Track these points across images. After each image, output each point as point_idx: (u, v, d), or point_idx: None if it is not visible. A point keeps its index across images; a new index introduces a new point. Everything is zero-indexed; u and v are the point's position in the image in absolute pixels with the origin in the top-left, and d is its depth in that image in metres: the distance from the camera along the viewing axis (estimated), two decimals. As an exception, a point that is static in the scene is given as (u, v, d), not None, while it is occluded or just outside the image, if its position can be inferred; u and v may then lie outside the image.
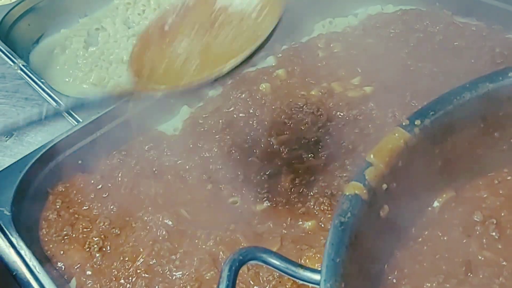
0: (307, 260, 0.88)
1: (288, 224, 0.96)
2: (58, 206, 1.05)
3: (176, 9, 0.88)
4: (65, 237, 1.00)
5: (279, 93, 1.20)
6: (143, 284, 0.91)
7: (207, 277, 0.90)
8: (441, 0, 1.38)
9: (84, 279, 0.95)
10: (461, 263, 0.74)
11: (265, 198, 1.02)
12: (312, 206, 0.98)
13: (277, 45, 1.36)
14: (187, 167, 1.09)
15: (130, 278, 0.93)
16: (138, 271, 0.93)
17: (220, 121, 1.17)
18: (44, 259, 0.97)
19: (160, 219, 0.99)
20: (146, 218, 1.00)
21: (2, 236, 0.96)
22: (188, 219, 0.99)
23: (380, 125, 1.08)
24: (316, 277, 0.62)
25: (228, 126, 1.16)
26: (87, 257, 0.97)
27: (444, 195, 0.82)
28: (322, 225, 0.95)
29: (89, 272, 0.95)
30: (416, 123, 0.75)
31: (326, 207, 0.97)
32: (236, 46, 0.81)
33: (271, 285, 0.87)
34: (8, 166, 1.07)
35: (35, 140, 1.18)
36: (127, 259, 0.95)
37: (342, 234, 0.64)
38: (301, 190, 1.01)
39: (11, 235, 0.96)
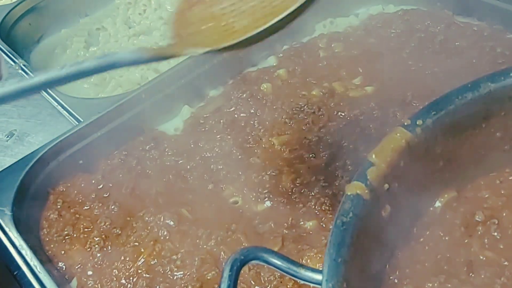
0: (309, 260, 0.88)
1: (289, 224, 0.96)
2: (59, 206, 1.05)
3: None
4: (66, 237, 1.00)
5: (280, 93, 1.20)
6: (144, 284, 0.91)
7: (208, 277, 0.90)
8: (442, 0, 1.38)
9: (85, 279, 0.95)
10: (463, 263, 0.74)
11: (266, 198, 1.02)
12: (313, 206, 0.98)
13: (278, 45, 1.36)
14: (188, 167, 1.09)
15: (131, 278, 0.93)
16: (139, 271, 0.93)
17: (221, 121, 1.17)
18: (45, 259, 0.96)
19: (161, 219, 0.99)
20: (147, 218, 1.00)
21: (3, 235, 0.96)
22: (189, 219, 0.99)
23: (382, 125, 1.07)
24: (318, 277, 0.62)
25: (229, 126, 1.16)
26: (88, 257, 0.97)
27: (445, 195, 0.82)
28: (323, 225, 0.95)
29: (90, 272, 0.95)
30: (418, 123, 0.75)
31: (327, 207, 0.97)
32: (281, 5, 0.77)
33: (272, 285, 0.87)
34: (9, 166, 1.07)
35: (36, 140, 1.18)
36: (128, 259, 0.95)
37: (343, 234, 0.64)
38: (302, 190, 1.01)
39: (12, 235, 0.96)
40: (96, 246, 0.97)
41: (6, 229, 0.97)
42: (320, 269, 0.62)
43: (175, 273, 0.92)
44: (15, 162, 1.07)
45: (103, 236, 0.98)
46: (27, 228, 1.00)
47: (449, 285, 0.72)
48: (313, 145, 1.08)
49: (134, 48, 0.71)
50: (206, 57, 1.26)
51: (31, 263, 0.92)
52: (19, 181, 1.03)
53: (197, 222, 0.98)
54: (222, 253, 0.93)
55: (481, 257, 0.75)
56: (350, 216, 0.66)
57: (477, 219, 0.79)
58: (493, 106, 0.80)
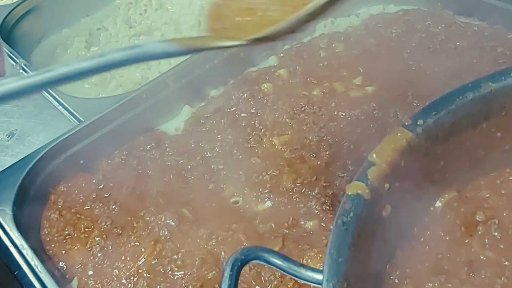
0: (309, 260, 0.88)
1: (290, 224, 0.96)
2: (59, 206, 1.05)
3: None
4: (67, 237, 1.00)
5: (281, 93, 1.20)
6: (145, 284, 0.91)
7: (209, 277, 0.90)
8: (443, 0, 1.38)
9: (85, 279, 0.95)
10: (463, 263, 0.74)
11: (267, 198, 1.02)
12: (314, 206, 0.98)
13: (279, 45, 1.36)
14: (189, 167, 1.09)
15: (132, 278, 0.93)
16: (140, 271, 0.93)
17: (222, 121, 1.17)
18: (46, 259, 0.97)
19: (162, 219, 0.99)
20: (147, 218, 1.00)
21: (4, 235, 0.96)
22: (190, 219, 0.99)
23: (382, 125, 1.07)
24: (318, 276, 0.62)
25: (230, 126, 1.16)
26: (89, 257, 0.97)
27: (446, 195, 0.82)
28: (324, 225, 0.95)
29: (90, 272, 0.95)
30: (418, 122, 0.75)
31: (327, 207, 0.97)
32: None
33: (272, 285, 0.87)
34: (10, 166, 1.07)
35: (37, 140, 1.18)
36: (128, 259, 0.95)
37: (344, 234, 0.64)
38: (303, 190, 1.01)
39: (13, 234, 0.96)
40: (97, 246, 0.97)
41: (7, 229, 0.97)
42: (321, 269, 0.63)
43: (175, 273, 0.92)
44: (16, 162, 1.07)
45: (103, 236, 0.99)
46: (28, 227, 1.00)
47: (450, 285, 0.72)
48: (314, 145, 1.08)
49: (164, 39, 0.68)
50: (207, 57, 1.26)
51: (32, 263, 0.93)
52: (20, 181, 1.03)
53: (198, 222, 0.98)
54: (222, 253, 0.93)
55: (482, 257, 0.75)
56: (350, 216, 0.66)
57: (477, 219, 0.79)
58: (493, 106, 0.80)
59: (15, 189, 1.02)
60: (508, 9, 1.28)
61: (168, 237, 0.96)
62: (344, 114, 1.12)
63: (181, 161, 1.11)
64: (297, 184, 1.02)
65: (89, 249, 0.98)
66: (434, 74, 1.18)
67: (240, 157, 1.10)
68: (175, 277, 0.91)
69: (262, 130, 1.14)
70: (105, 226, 1.00)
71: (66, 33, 1.61)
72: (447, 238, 0.78)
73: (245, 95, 1.21)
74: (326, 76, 1.22)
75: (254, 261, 0.65)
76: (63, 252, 0.98)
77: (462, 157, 0.81)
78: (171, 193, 1.05)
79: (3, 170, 1.07)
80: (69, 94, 1.27)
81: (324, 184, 1.01)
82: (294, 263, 0.65)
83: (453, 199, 0.82)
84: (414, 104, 1.10)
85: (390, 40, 1.31)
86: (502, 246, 0.75)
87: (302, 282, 0.65)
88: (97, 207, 1.04)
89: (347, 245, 0.63)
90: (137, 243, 0.97)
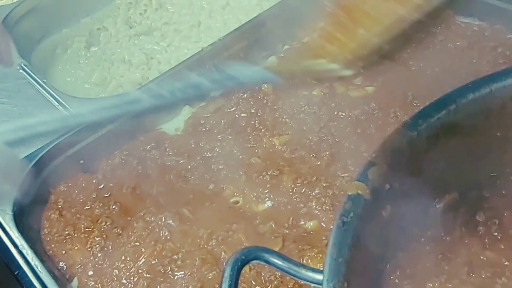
0: (309, 260, 0.88)
1: (290, 224, 0.96)
2: (60, 206, 1.05)
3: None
4: (67, 237, 1.00)
5: (281, 93, 1.20)
6: (145, 284, 0.91)
7: (209, 277, 0.90)
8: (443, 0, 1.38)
9: (85, 279, 0.95)
10: (464, 263, 0.74)
11: (267, 198, 1.02)
12: (314, 206, 0.98)
13: (279, 45, 1.36)
14: (189, 167, 1.10)
15: (132, 278, 0.93)
16: (140, 271, 0.93)
17: (222, 121, 1.17)
18: (46, 259, 0.97)
19: (162, 219, 0.99)
20: (148, 218, 1.00)
21: (4, 235, 0.96)
22: (190, 219, 0.99)
23: (382, 125, 1.08)
24: (319, 277, 0.62)
25: (230, 126, 1.16)
26: (89, 257, 0.97)
27: (446, 195, 0.82)
28: (324, 225, 0.95)
29: (90, 272, 0.95)
30: (419, 122, 0.75)
31: (328, 207, 0.97)
32: None
33: (273, 285, 0.87)
34: (10, 166, 1.07)
35: (37, 140, 1.18)
36: (128, 259, 0.95)
37: (344, 234, 0.64)
38: (303, 190, 1.01)
39: (13, 234, 0.96)
40: (97, 246, 0.97)
41: (7, 229, 0.97)
42: (321, 269, 0.63)
43: (176, 273, 0.92)
44: (16, 162, 1.07)
45: (104, 236, 0.99)
46: (28, 227, 1.00)
47: (450, 285, 0.72)
48: (314, 145, 1.08)
49: (261, 67, 0.63)
50: (206, 57, 1.26)
51: (32, 263, 0.93)
52: (20, 182, 1.03)
53: (198, 222, 0.98)
54: (223, 253, 0.93)
55: (482, 257, 0.75)
56: (351, 216, 0.66)
57: (477, 219, 0.79)
58: (494, 106, 0.80)
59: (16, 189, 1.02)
60: (508, 9, 1.28)
61: (168, 237, 0.96)
62: (344, 114, 1.12)
63: (181, 161, 1.11)
64: (297, 184, 1.02)
65: (89, 249, 0.98)
66: (434, 74, 1.18)
67: (240, 157, 1.10)
68: (175, 277, 0.91)
69: (262, 130, 1.14)
70: (105, 226, 1.00)
71: (66, 33, 1.61)
72: (448, 238, 0.78)
73: (245, 95, 1.21)
74: (326, 76, 1.22)
75: (254, 261, 0.65)
76: (63, 252, 0.98)
77: (463, 157, 0.81)
78: (171, 193, 1.05)
79: (3, 170, 1.07)
80: (69, 94, 1.27)
81: (324, 184, 1.01)
82: (294, 263, 0.65)
83: (454, 199, 0.82)
84: (414, 104, 1.10)
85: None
86: (502, 246, 0.76)
87: (302, 282, 0.65)
88: (97, 207, 1.04)
89: (347, 245, 0.63)
90: (137, 243, 0.97)
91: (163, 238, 0.96)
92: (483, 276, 0.72)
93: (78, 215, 1.03)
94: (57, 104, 1.22)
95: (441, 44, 1.26)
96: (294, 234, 0.95)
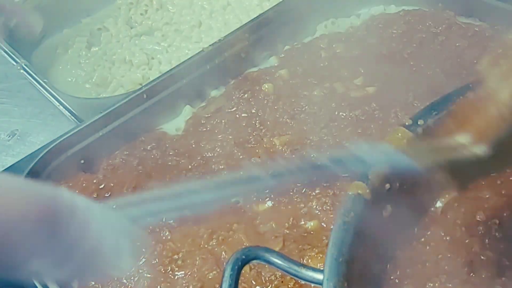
0: (310, 260, 0.88)
1: (291, 224, 0.96)
2: (60, 206, 1.05)
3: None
4: (68, 237, 1.00)
5: (281, 93, 1.20)
6: (145, 284, 0.91)
7: (210, 277, 0.90)
8: (444, 1, 1.38)
9: (86, 279, 0.95)
10: (464, 263, 0.74)
11: (267, 198, 1.02)
12: (315, 206, 0.98)
13: (279, 46, 1.36)
14: (190, 166, 1.10)
15: (132, 278, 0.93)
16: (140, 271, 0.93)
17: (223, 121, 1.17)
18: (47, 259, 0.96)
19: (163, 219, 0.99)
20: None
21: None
22: (191, 219, 0.99)
23: (383, 126, 1.08)
24: (319, 276, 0.62)
25: (231, 126, 1.16)
26: (90, 257, 0.97)
27: (446, 195, 0.82)
28: (324, 225, 0.95)
29: (91, 272, 0.95)
30: (419, 122, 0.75)
31: (328, 207, 0.97)
32: None
33: (273, 285, 0.87)
34: (11, 166, 1.07)
35: (38, 140, 1.18)
36: (129, 258, 0.95)
37: (345, 233, 0.64)
38: (303, 190, 1.01)
39: (14, 234, 0.96)
40: (98, 245, 0.97)
41: (8, 229, 0.97)
42: (321, 268, 0.63)
43: (176, 273, 0.92)
44: (17, 162, 1.07)
45: (104, 235, 0.98)
46: (29, 227, 1.00)
47: (450, 285, 0.72)
48: (315, 145, 1.08)
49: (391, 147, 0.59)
50: (207, 57, 1.26)
51: (33, 263, 0.92)
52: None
53: (199, 222, 0.98)
54: (223, 252, 0.93)
55: (482, 257, 0.75)
56: (351, 215, 0.66)
57: (478, 219, 0.79)
58: (494, 106, 0.80)
59: (16, 189, 1.02)
60: (509, 9, 1.28)
61: (168, 237, 0.96)
62: (344, 114, 1.12)
63: (182, 161, 1.11)
64: (298, 184, 1.02)
65: (90, 249, 0.97)
66: (435, 75, 1.18)
67: (241, 157, 1.10)
68: (176, 277, 0.91)
69: (263, 130, 1.14)
70: (105, 226, 1.00)
71: (67, 33, 1.61)
72: (448, 238, 0.78)
73: (245, 95, 1.21)
74: (326, 76, 1.23)
75: (254, 261, 0.65)
76: (64, 252, 0.98)
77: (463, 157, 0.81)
78: (171, 193, 1.05)
79: (3, 170, 1.07)
80: (70, 94, 1.27)
81: (324, 185, 1.01)
82: (295, 263, 0.65)
83: (454, 199, 0.82)
84: (415, 105, 1.10)
85: (391, 41, 1.31)
86: (502, 246, 0.76)
87: (303, 282, 0.65)
88: (97, 207, 1.04)
89: (347, 245, 0.63)
90: (138, 243, 0.96)
91: (164, 238, 0.96)
92: (483, 276, 0.72)
93: (78, 215, 1.03)
94: (58, 104, 1.22)
95: (442, 44, 1.26)
96: (294, 234, 0.95)
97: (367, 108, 1.12)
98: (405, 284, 0.73)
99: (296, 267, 0.64)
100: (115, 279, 0.93)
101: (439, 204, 0.82)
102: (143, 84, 1.23)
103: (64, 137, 1.10)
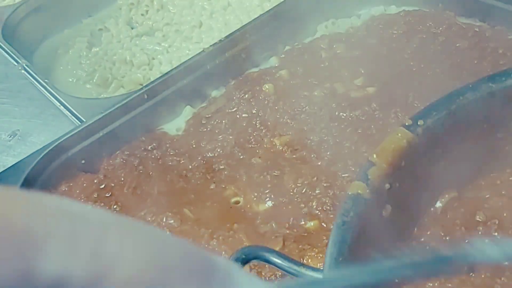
0: (309, 260, 0.88)
1: (291, 224, 0.97)
2: (61, 206, 1.05)
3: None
4: (68, 237, 1.00)
5: (282, 93, 1.20)
6: (146, 284, 0.91)
7: (210, 277, 0.90)
8: (444, 1, 1.38)
9: (87, 279, 0.95)
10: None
11: (267, 198, 1.02)
12: (315, 206, 0.98)
13: (280, 46, 1.36)
14: (190, 167, 1.10)
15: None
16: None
17: (223, 121, 1.17)
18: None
19: (164, 219, 0.99)
20: (149, 218, 1.00)
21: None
22: (191, 219, 0.99)
23: (383, 126, 1.08)
24: (319, 276, 0.62)
25: (231, 126, 1.16)
26: (90, 257, 0.97)
27: (446, 195, 0.82)
28: (325, 225, 0.95)
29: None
30: (419, 123, 0.75)
31: (328, 207, 0.97)
32: None
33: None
34: (11, 166, 1.08)
35: (38, 140, 1.18)
36: (130, 258, 0.95)
37: (344, 233, 0.65)
38: (303, 190, 1.01)
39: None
40: (98, 245, 0.97)
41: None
42: (321, 268, 0.63)
43: (176, 273, 0.92)
44: (18, 162, 1.08)
45: (105, 235, 0.99)
46: (30, 227, 1.00)
47: (450, 285, 0.72)
48: (315, 146, 1.09)
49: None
50: (208, 57, 1.26)
51: (33, 262, 0.93)
52: (22, 181, 1.03)
53: (199, 222, 0.99)
54: (223, 252, 0.93)
55: (482, 257, 0.75)
56: (351, 215, 0.66)
57: (477, 219, 0.79)
58: (494, 106, 0.80)
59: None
60: (509, 10, 1.28)
61: (169, 237, 0.96)
62: (345, 114, 1.12)
63: (182, 161, 1.11)
64: (298, 185, 1.02)
65: (90, 249, 0.98)
66: (435, 75, 1.18)
67: (241, 157, 1.10)
68: (176, 277, 0.91)
69: (263, 131, 1.14)
70: (106, 226, 1.00)
71: (68, 33, 1.62)
72: (447, 238, 0.78)
73: (246, 96, 1.21)
74: (327, 76, 1.23)
75: (254, 261, 0.65)
76: (65, 251, 0.98)
77: (463, 158, 0.81)
78: (172, 193, 1.05)
79: (4, 170, 1.07)
80: (71, 94, 1.27)
81: (325, 185, 1.01)
82: (295, 262, 0.65)
83: (454, 199, 0.82)
84: (415, 105, 1.10)
85: (391, 41, 1.31)
86: (502, 246, 0.76)
87: (303, 281, 0.65)
88: (98, 207, 1.04)
89: (347, 244, 0.64)
90: None
91: (164, 237, 0.96)
92: (482, 276, 0.72)
93: (79, 215, 1.03)
94: (58, 104, 1.22)
95: (442, 45, 1.26)
96: (294, 234, 0.95)
97: (367, 108, 1.12)
98: (405, 283, 0.73)
99: (296, 267, 0.64)
100: None
101: (439, 204, 0.82)
102: (144, 85, 1.24)
103: (65, 137, 1.11)
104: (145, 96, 1.19)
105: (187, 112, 1.23)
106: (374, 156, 0.72)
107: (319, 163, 1.05)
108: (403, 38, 1.30)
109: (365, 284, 0.41)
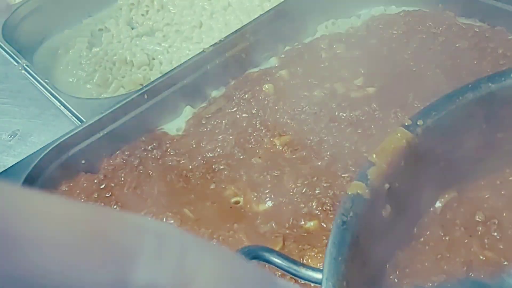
0: (309, 260, 0.88)
1: (291, 224, 0.97)
2: (61, 206, 1.05)
3: None
4: (69, 237, 1.00)
5: (281, 93, 1.20)
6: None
7: (210, 276, 0.90)
8: (444, 1, 1.38)
9: (87, 278, 0.95)
10: (463, 263, 0.74)
11: (267, 198, 1.02)
12: (315, 206, 0.98)
13: (280, 46, 1.36)
14: (190, 167, 1.10)
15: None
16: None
17: (223, 121, 1.17)
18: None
19: (164, 219, 0.99)
20: (149, 218, 1.00)
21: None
22: (192, 219, 1.00)
23: (383, 126, 1.08)
24: (318, 276, 0.62)
25: (231, 126, 1.16)
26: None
27: (446, 195, 0.82)
28: (324, 225, 0.95)
29: (92, 272, 0.95)
30: (418, 123, 0.75)
31: (328, 207, 0.97)
32: None
33: (273, 285, 0.87)
34: (12, 166, 1.08)
35: (39, 140, 1.18)
36: (130, 258, 0.95)
37: (344, 233, 0.65)
38: (303, 190, 1.01)
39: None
40: (98, 245, 0.97)
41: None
42: (321, 268, 0.63)
43: (176, 273, 0.92)
44: (18, 162, 1.08)
45: (105, 235, 0.99)
46: (30, 227, 1.00)
47: (449, 285, 0.72)
48: (315, 146, 1.09)
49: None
50: (208, 58, 1.26)
51: (34, 262, 0.93)
52: (22, 181, 1.03)
53: (199, 222, 0.99)
54: (223, 252, 0.93)
55: (481, 257, 0.75)
56: (350, 215, 0.66)
57: (477, 219, 0.79)
58: (493, 106, 0.80)
59: (17, 189, 1.02)
60: (509, 10, 1.28)
61: (169, 237, 0.96)
62: (345, 114, 1.13)
63: (183, 161, 1.11)
64: (298, 185, 1.02)
65: (91, 249, 0.98)
66: (435, 75, 1.18)
67: (241, 157, 1.10)
68: (176, 277, 0.92)
69: (263, 131, 1.14)
70: (106, 226, 1.00)
71: (68, 33, 1.62)
72: (447, 238, 0.78)
73: (246, 96, 1.21)
74: (327, 77, 1.23)
75: (254, 260, 0.65)
76: (65, 251, 0.99)
77: (462, 158, 0.81)
78: (172, 193, 1.05)
79: (5, 170, 1.07)
80: (71, 94, 1.27)
81: (325, 185, 1.01)
82: (294, 262, 0.65)
83: (453, 199, 0.82)
84: (415, 105, 1.10)
85: (391, 41, 1.31)
86: (501, 246, 0.76)
87: (302, 281, 0.65)
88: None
89: (346, 244, 0.64)
90: None
91: (164, 237, 0.96)
92: (482, 276, 0.73)
93: (79, 215, 1.03)
94: (59, 104, 1.22)
95: (442, 45, 1.26)
96: (294, 234, 0.95)
97: (367, 108, 1.12)
98: (404, 283, 0.73)
99: (295, 267, 0.65)
100: None
101: (438, 204, 0.82)
102: (144, 85, 1.24)
103: (65, 137, 1.11)
104: (145, 96, 1.19)
105: (187, 112, 1.23)
106: (374, 156, 0.72)
107: (319, 163, 1.05)
108: (403, 38, 1.30)
109: None
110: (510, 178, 0.84)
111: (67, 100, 1.23)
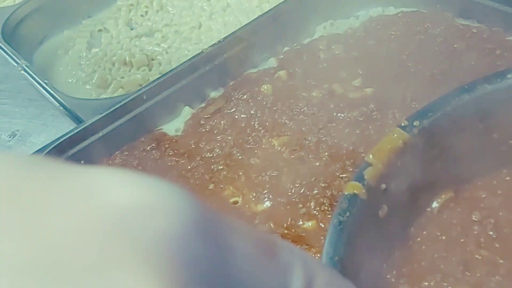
0: (307, 260, 0.88)
1: (289, 224, 0.97)
2: (60, 206, 1.05)
3: None
4: (68, 236, 1.00)
5: (280, 94, 1.20)
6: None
7: (208, 276, 0.90)
8: (442, 2, 1.38)
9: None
10: (459, 262, 0.74)
11: (266, 199, 1.02)
12: (313, 207, 0.99)
13: (278, 47, 1.37)
14: (189, 167, 1.10)
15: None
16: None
17: (222, 122, 1.18)
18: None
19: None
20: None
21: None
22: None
23: (381, 126, 1.08)
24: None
25: (230, 127, 1.16)
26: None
27: (443, 196, 0.82)
28: (322, 225, 0.96)
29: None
30: (415, 124, 0.76)
31: (326, 208, 0.98)
32: None
33: (271, 284, 0.87)
34: (12, 166, 1.08)
35: (38, 140, 1.19)
36: (129, 258, 0.95)
37: (340, 233, 0.65)
38: (301, 190, 1.01)
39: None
40: (97, 245, 0.98)
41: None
42: (318, 267, 0.63)
43: (175, 272, 0.92)
44: (18, 162, 1.08)
45: (104, 235, 0.99)
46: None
47: (445, 284, 0.72)
48: (313, 146, 1.09)
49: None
50: (206, 58, 1.27)
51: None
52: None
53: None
54: (222, 252, 0.93)
55: (477, 256, 0.75)
56: (347, 215, 0.67)
57: (473, 219, 0.79)
58: (490, 107, 0.80)
59: (17, 189, 1.02)
60: (507, 11, 1.28)
61: (168, 237, 0.97)
62: (343, 115, 1.13)
63: (181, 162, 1.12)
64: (296, 185, 1.02)
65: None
66: (433, 76, 1.18)
67: (240, 157, 1.10)
68: (175, 277, 0.92)
69: (262, 131, 1.14)
70: (105, 226, 1.00)
71: (67, 34, 1.62)
72: (443, 237, 0.78)
73: (244, 96, 1.21)
74: (325, 77, 1.23)
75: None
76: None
77: (459, 158, 0.81)
78: (171, 193, 1.05)
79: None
80: (70, 95, 1.28)
81: (323, 185, 1.02)
82: (292, 262, 0.65)
83: (450, 199, 0.83)
84: (413, 106, 1.10)
85: (389, 42, 1.31)
86: (497, 245, 0.76)
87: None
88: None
89: (343, 244, 0.64)
90: None
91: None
92: (478, 275, 0.73)
93: (78, 215, 1.04)
94: (58, 104, 1.23)
95: (440, 46, 1.26)
96: (292, 234, 0.95)
97: (365, 109, 1.13)
98: (400, 283, 0.74)
99: (293, 266, 0.65)
100: None
101: (435, 204, 0.82)
102: (143, 85, 1.24)
103: (64, 138, 1.11)
104: (144, 97, 1.19)
105: (186, 112, 1.24)
106: (371, 156, 0.72)
107: (317, 164, 1.05)
108: (401, 39, 1.31)
109: None
110: (506, 178, 0.84)
111: (67, 100, 1.24)
